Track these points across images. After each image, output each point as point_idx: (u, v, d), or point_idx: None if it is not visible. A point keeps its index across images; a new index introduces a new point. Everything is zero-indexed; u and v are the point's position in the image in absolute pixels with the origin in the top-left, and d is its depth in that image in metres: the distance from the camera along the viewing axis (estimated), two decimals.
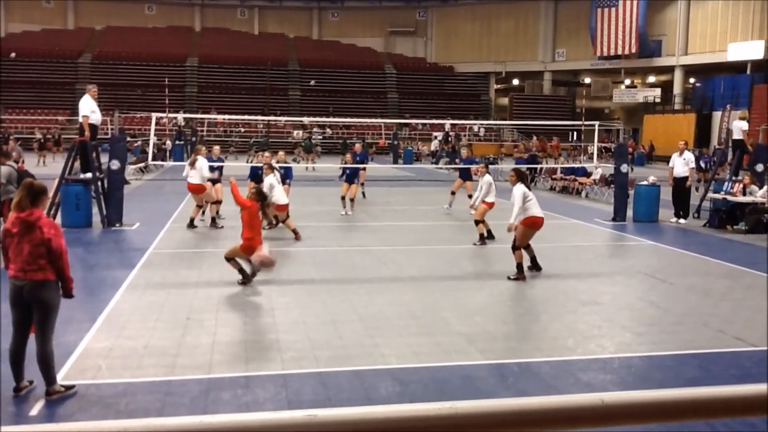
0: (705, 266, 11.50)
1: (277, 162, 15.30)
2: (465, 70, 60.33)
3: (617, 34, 50.23)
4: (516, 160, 27.87)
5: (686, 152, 16.60)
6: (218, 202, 14.92)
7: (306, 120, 43.62)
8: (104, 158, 15.29)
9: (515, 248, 10.00)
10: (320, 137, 47.11)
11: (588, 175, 22.49)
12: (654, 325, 7.97)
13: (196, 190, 14.25)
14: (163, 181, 25.46)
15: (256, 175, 15.20)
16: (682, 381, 6.18)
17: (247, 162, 25.92)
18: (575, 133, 47.94)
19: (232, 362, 6.46)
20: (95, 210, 14.33)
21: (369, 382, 5.99)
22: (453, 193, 18.09)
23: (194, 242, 12.97)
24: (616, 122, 55.60)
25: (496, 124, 53.28)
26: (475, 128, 51.31)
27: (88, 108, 13.99)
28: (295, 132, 48.65)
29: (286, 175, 15.29)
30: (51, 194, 12.51)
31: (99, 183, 14.43)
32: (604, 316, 8.27)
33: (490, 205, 12.94)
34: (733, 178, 16.57)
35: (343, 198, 16.78)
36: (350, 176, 16.89)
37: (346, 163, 17.92)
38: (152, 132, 17.39)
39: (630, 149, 25.47)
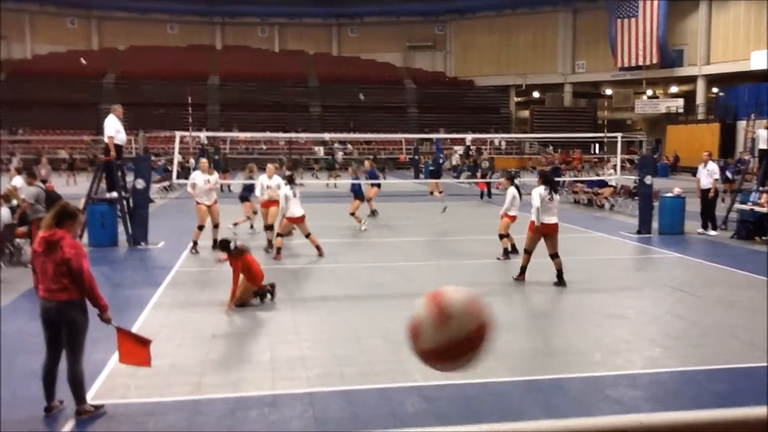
0: (732, 278, 11.33)
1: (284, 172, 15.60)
2: (485, 84, 60.33)
3: (638, 44, 49.95)
4: (538, 172, 27.66)
5: (710, 163, 16.43)
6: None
7: (327, 136, 43.78)
8: (129, 177, 15.47)
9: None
10: (341, 153, 47.24)
11: (607, 185, 22.32)
12: (682, 339, 7.85)
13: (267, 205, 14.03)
14: (187, 199, 25.64)
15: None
16: (714, 396, 6.08)
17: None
18: (597, 145, 47.63)
19: (257, 380, 6.47)
20: (121, 229, 14.48)
21: (395, 400, 5.97)
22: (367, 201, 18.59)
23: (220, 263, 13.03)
24: (639, 133, 55.19)
25: (517, 137, 53.12)
26: (496, 142, 51.19)
27: (113, 128, 14.16)
28: (316, 148, 48.85)
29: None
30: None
31: (124, 202, 14.59)
32: (631, 330, 8.17)
33: (513, 219, 12.86)
34: (760, 188, 16.33)
35: (352, 214, 17.03)
36: (358, 192, 17.37)
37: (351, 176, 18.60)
38: (176, 150, 17.54)
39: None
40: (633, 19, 49.89)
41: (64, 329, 5.54)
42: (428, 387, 6.24)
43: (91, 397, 5.84)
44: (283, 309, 9.14)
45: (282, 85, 51.34)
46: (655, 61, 49.82)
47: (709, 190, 16.12)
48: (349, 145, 49.65)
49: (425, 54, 63.83)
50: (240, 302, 9.08)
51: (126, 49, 60.53)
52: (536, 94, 61.21)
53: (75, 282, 5.49)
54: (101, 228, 14.08)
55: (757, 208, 15.58)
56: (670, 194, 16.57)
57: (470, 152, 42.75)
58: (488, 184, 25.94)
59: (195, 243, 13.55)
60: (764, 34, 42.91)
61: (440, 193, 18.60)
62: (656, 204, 16.76)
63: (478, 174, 26.03)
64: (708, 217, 16.26)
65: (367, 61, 62.43)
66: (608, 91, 57.19)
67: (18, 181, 14.13)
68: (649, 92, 55.84)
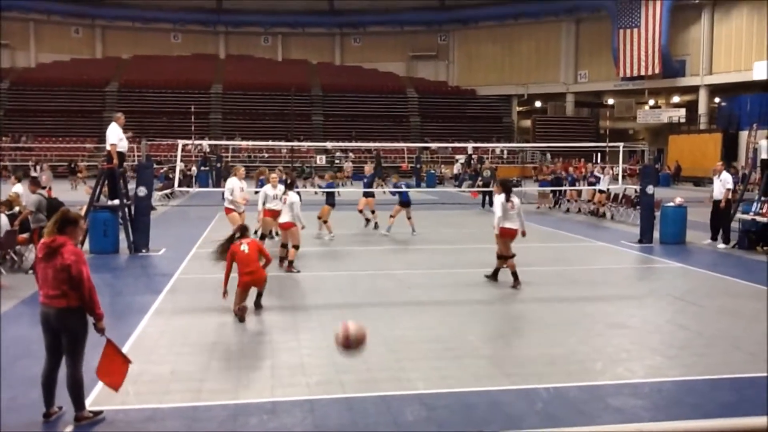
0: (734, 288, 11.30)
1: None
2: (487, 93, 60.44)
3: (640, 54, 50.03)
4: (540, 182, 27.71)
5: (724, 173, 16.15)
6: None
7: (329, 145, 43.85)
8: (131, 185, 15.49)
9: (506, 258, 11.21)
10: (343, 162, 47.30)
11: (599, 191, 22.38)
12: (684, 348, 7.82)
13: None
14: (189, 206, 25.71)
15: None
16: (716, 406, 6.04)
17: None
18: (599, 155, 47.63)
19: (258, 387, 6.45)
20: (122, 236, 14.49)
21: (395, 407, 5.94)
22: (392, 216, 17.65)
23: (220, 267, 13.01)
24: (641, 143, 55.19)
25: (518, 147, 53.17)
26: (498, 151, 51.23)
27: (116, 136, 14.20)
28: (318, 157, 48.92)
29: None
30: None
31: (126, 209, 14.61)
32: (633, 339, 8.15)
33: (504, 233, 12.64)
34: (762, 198, 16.30)
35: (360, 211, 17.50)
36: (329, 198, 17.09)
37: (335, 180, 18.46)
38: (178, 158, 17.59)
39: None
40: (635, 29, 50.00)
41: (64, 336, 5.53)
42: (429, 395, 6.22)
43: (90, 403, 5.82)
44: (284, 316, 9.12)
45: (285, 94, 51.46)
46: (657, 71, 49.89)
47: (720, 201, 15.85)
48: (351, 154, 49.72)
49: (428, 63, 64.00)
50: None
51: (130, 58, 60.75)
52: (538, 104, 61.29)
53: (75, 288, 5.47)
54: (103, 235, 14.09)
55: (759, 218, 15.54)
56: (672, 204, 16.55)
57: (471, 161, 42.79)
58: (490, 193, 25.94)
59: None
60: (767, 44, 42.97)
61: (372, 213, 18.11)
62: (658, 213, 16.74)
63: (479, 183, 26.02)
64: (720, 228, 15.96)
65: (369, 71, 62.60)
66: (610, 101, 57.26)
67: (19, 188, 14.17)
68: (652, 102, 55.91)
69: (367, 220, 18.56)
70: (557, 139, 48.37)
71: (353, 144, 46.55)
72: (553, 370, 7.01)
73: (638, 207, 17.88)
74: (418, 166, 41.45)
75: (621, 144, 19.45)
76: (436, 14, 61.56)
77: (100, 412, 5.64)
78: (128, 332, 8.13)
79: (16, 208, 13.30)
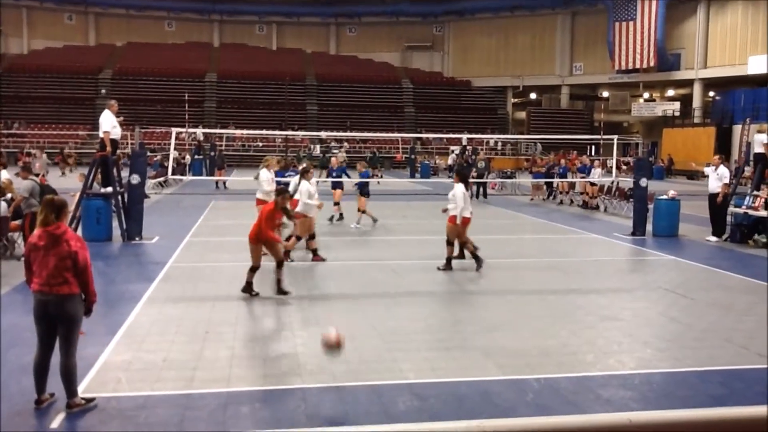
0: (727, 281, 11.36)
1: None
2: (482, 85, 60.39)
3: (635, 47, 50.06)
4: (534, 174, 27.76)
5: (721, 167, 15.90)
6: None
7: (323, 134, 43.76)
8: (124, 173, 15.44)
9: (464, 243, 11.70)
10: (337, 152, 47.24)
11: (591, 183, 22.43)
12: (675, 341, 7.87)
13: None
14: (183, 195, 25.65)
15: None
16: (706, 398, 6.09)
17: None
18: (593, 147, 47.74)
19: (250, 376, 6.46)
20: (115, 224, 14.45)
21: (387, 397, 5.96)
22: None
23: (213, 256, 13.03)
24: (635, 136, 55.33)
25: (513, 139, 53.20)
26: (492, 142, 51.24)
27: (109, 123, 14.15)
28: (313, 146, 48.84)
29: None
30: (72, 208, 12.64)
31: (119, 197, 14.56)
32: (625, 332, 8.18)
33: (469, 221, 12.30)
34: (755, 192, 16.37)
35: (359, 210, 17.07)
36: (362, 189, 17.06)
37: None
38: (172, 146, 17.54)
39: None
40: (631, 22, 50.00)
41: (61, 323, 5.53)
42: (420, 384, 6.25)
43: (83, 390, 5.82)
44: (277, 306, 9.13)
45: (279, 83, 51.32)
46: (652, 64, 49.96)
47: (717, 194, 15.72)
48: (345, 144, 49.65)
49: (423, 54, 63.87)
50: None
51: (123, 46, 60.42)
52: (533, 96, 61.31)
53: (78, 276, 5.50)
54: (96, 223, 14.06)
55: (751, 212, 15.61)
56: (665, 197, 16.60)
57: (465, 152, 42.79)
58: (484, 185, 25.98)
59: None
60: (761, 39, 43.05)
61: (336, 205, 17.68)
62: (651, 206, 16.79)
63: (474, 174, 26.04)
64: (716, 222, 15.86)
65: (364, 61, 62.44)
66: (605, 94, 57.31)
67: (5, 174, 14.05)
68: (646, 95, 56.02)
69: (333, 216, 17.76)
70: (552, 132, 48.42)
71: (348, 134, 46.47)
72: (545, 361, 7.05)
73: (631, 199, 17.94)
74: (413, 156, 41.45)
75: (615, 137, 19.50)
76: (432, 5, 61.38)
77: (92, 399, 5.64)
78: (121, 320, 8.12)
79: (9, 195, 13.23)
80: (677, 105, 51.52)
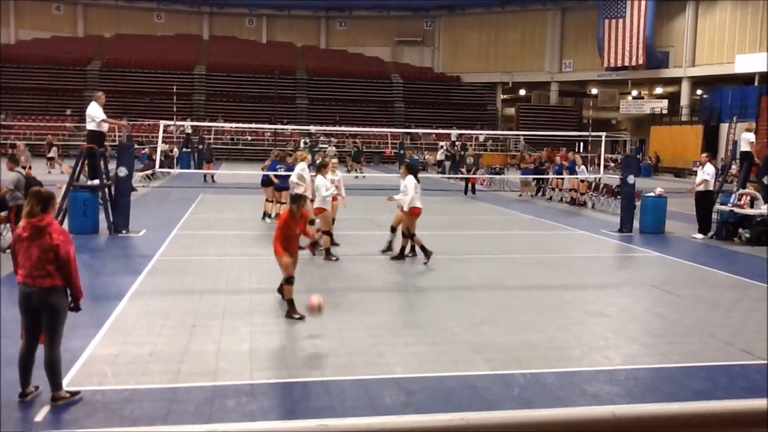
0: (712, 278, 11.45)
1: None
2: (472, 80, 60.40)
3: (624, 45, 50.22)
4: (522, 170, 27.82)
5: (708, 165, 15.86)
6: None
7: (313, 128, 43.69)
8: (112, 165, 15.35)
9: (412, 235, 11.99)
10: (326, 147, 47.16)
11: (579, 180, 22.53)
12: (661, 337, 7.93)
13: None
14: (170, 188, 25.53)
15: None
16: (690, 393, 6.14)
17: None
18: (582, 144, 47.90)
19: (237, 370, 6.45)
20: (102, 216, 14.37)
21: (374, 391, 5.98)
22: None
23: (200, 249, 12.99)
24: (624, 133, 55.54)
25: (502, 134, 53.26)
26: (481, 138, 51.30)
27: (99, 115, 14.04)
28: (302, 141, 48.73)
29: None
30: (59, 200, 12.55)
31: (106, 190, 14.48)
32: (611, 327, 8.24)
33: (419, 211, 12.33)
34: (741, 190, 16.49)
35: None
36: (266, 182, 16.44)
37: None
38: (160, 139, 17.42)
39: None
40: (621, 20, 50.13)
41: (45, 315, 5.50)
42: (407, 379, 6.26)
43: (68, 383, 5.79)
44: (265, 300, 9.11)
45: (269, 76, 51.11)
46: (641, 61, 50.12)
47: (703, 192, 15.70)
48: (333, 138, 49.56)
49: (413, 49, 63.78)
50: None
51: (112, 37, 59.95)
52: (523, 92, 61.38)
53: (61, 269, 5.47)
54: (83, 215, 13.97)
55: (737, 210, 15.73)
56: (652, 194, 16.68)
57: (455, 147, 42.82)
58: (473, 180, 26.01)
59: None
60: (749, 37, 43.31)
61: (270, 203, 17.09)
62: (638, 203, 16.88)
63: (463, 169, 26.10)
64: (702, 219, 15.87)
65: (355, 55, 62.28)
66: (594, 91, 57.48)
67: None
68: (635, 93, 56.21)
69: (267, 215, 16.83)
70: (541, 128, 48.53)
71: (337, 128, 46.39)
72: (531, 356, 7.08)
73: (619, 196, 18.02)
74: (402, 151, 41.46)
75: (603, 134, 19.57)
76: (423, 0, 61.31)
77: (77, 393, 5.62)
78: (107, 313, 8.09)
79: None
80: (665, 103, 51.75)
